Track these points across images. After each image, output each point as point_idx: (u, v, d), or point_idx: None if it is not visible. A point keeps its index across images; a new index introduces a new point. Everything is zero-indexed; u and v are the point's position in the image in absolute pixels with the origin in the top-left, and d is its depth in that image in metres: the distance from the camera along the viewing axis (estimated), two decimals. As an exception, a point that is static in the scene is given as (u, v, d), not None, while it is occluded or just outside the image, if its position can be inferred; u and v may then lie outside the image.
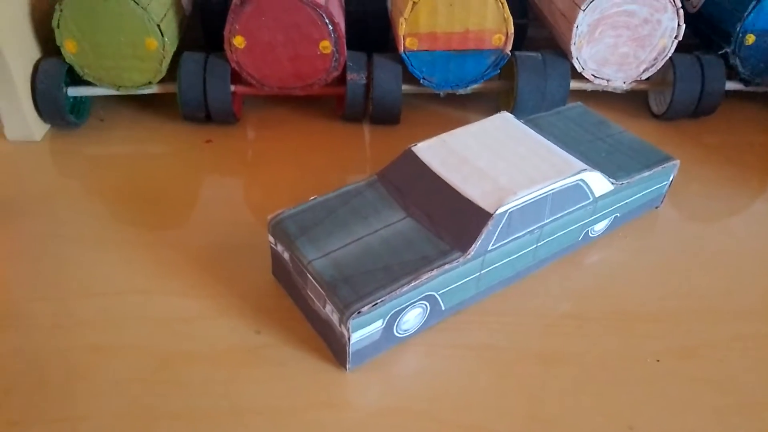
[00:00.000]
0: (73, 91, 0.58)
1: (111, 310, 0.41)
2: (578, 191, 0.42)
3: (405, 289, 0.36)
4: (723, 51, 0.60)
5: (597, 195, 0.43)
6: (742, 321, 0.42)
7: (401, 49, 0.56)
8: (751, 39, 0.58)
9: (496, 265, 0.40)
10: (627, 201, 0.46)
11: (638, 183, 0.46)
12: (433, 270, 0.37)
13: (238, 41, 0.54)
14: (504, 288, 0.43)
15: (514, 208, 0.39)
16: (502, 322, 0.41)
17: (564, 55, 0.59)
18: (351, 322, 0.35)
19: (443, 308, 0.40)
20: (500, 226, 0.39)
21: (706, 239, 0.49)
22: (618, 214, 0.47)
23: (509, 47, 0.56)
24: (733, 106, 0.64)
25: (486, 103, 0.64)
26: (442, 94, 0.60)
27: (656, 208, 0.51)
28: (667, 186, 0.49)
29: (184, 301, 0.42)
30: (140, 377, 0.37)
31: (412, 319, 0.38)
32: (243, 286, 0.43)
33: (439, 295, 0.38)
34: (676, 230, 0.50)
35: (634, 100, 0.65)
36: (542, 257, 0.44)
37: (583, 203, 0.43)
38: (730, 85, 0.61)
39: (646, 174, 0.46)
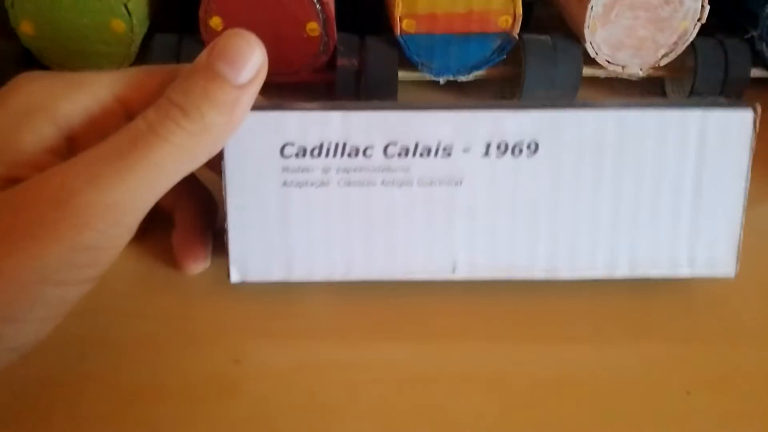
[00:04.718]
0: (32, 77, 0.53)
1: None
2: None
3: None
4: (749, 35, 0.55)
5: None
6: None
7: (397, 31, 0.51)
8: (780, 21, 0.53)
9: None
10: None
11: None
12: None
13: (215, 22, 0.49)
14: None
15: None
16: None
17: (575, 38, 0.54)
18: None
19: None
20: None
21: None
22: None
23: (517, 30, 0.51)
24: (758, 95, 0.58)
25: (488, 91, 0.59)
26: (442, 81, 0.55)
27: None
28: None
29: None
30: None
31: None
32: None
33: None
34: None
35: (649, 87, 0.60)
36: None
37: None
38: (756, 72, 0.56)
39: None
